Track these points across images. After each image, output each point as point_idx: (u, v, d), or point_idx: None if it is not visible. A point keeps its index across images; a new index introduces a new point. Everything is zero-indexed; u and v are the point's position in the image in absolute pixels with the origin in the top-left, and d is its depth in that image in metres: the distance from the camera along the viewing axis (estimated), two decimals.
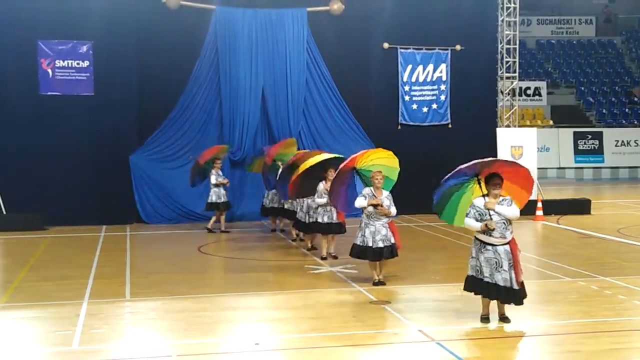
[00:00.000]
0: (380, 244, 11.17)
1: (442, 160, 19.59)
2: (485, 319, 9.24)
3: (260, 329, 9.29)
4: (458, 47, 20.38)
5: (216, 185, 16.91)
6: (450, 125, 20.42)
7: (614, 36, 43.28)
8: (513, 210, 8.96)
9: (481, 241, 9.07)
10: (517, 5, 20.84)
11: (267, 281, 12.18)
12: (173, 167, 18.96)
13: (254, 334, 8.98)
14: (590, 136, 34.72)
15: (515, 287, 8.98)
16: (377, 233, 11.16)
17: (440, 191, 9.49)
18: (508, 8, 20.80)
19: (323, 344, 8.52)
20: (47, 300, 10.70)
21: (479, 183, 9.10)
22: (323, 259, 13.51)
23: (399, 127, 20.19)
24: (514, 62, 21.12)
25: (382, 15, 20.01)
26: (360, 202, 11.18)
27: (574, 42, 42.57)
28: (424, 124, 20.37)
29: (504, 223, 8.95)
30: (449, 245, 15.45)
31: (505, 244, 9.00)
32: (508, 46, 21.00)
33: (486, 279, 9.03)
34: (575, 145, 34.50)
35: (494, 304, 9.25)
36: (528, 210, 19.56)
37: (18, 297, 10.97)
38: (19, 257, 14.37)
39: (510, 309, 9.32)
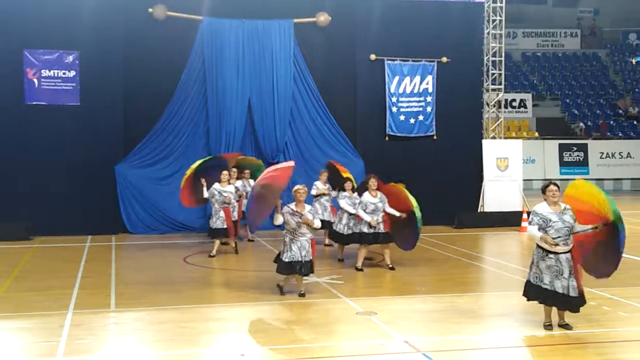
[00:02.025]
0: (307, 259, 11.24)
1: (428, 171, 19.75)
2: (548, 326, 9.33)
3: (245, 340, 9.27)
4: (444, 59, 20.46)
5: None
6: (435, 137, 20.47)
7: (598, 49, 43.64)
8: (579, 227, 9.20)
9: (543, 249, 9.12)
10: (503, 18, 20.99)
11: (252, 292, 12.13)
12: (159, 177, 18.91)
13: (239, 345, 8.96)
14: (575, 148, 34.91)
15: (574, 294, 9.07)
16: (302, 249, 11.22)
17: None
18: (494, 21, 20.93)
19: (309, 355, 8.51)
20: (31, 310, 10.62)
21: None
22: (358, 270, 13.58)
23: (387, 139, 20.22)
24: (500, 74, 21.24)
25: (368, 27, 20.06)
26: (279, 218, 11.26)
27: (559, 54, 42.88)
28: (411, 135, 20.41)
29: (568, 230, 9.02)
30: (435, 256, 15.47)
31: (568, 251, 9.07)
32: (494, 58, 21.13)
33: (545, 286, 9.13)
34: (561, 156, 34.68)
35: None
36: (513, 221, 19.71)
37: (2, 307, 10.88)
38: (3, 267, 14.23)
39: (496, 319, 9.34)
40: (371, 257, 14.60)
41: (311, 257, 11.34)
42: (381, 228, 13.56)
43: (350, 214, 14.23)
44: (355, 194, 14.41)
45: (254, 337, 9.41)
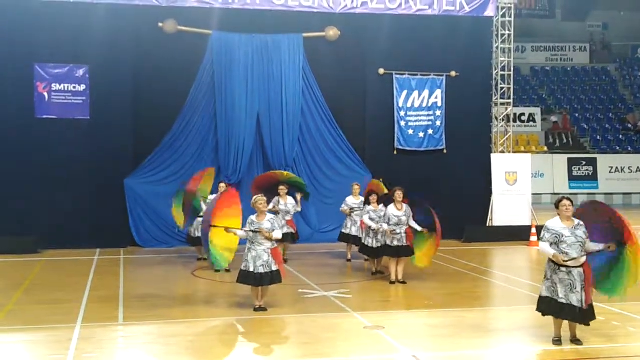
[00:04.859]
0: (261, 270, 11.09)
1: (437, 185, 19.72)
2: (557, 341, 9.32)
3: (253, 353, 9.26)
4: (453, 73, 20.47)
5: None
6: (445, 151, 20.46)
7: (607, 63, 43.60)
8: (590, 246, 9.18)
9: (555, 262, 9.10)
10: (512, 32, 21.01)
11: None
12: (168, 191, 18.85)
13: (247, 359, 8.95)
14: (584, 162, 34.83)
15: (584, 307, 9.06)
16: (258, 258, 11.09)
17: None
18: (503, 35, 20.96)
19: None
20: (39, 323, 10.65)
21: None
22: (392, 283, 13.62)
23: (395, 153, 20.22)
24: (509, 88, 21.23)
25: (377, 41, 20.09)
26: (239, 233, 11.34)
27: (568, 69, 42.86)
28: (420, 149, 20.40)
29: (580, 245, 9.02)
30: (444, 270, 15.43)
31: (580, 266, 9.06)
32: (503, 72, 21.13)
33: (561, 300, 9.11)
34: (570, 171, 34.60)
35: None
36: (522, 235, 19.65)
37: (11, 320, 10.91)
38: (12, 280, 14.30)
39: (505, 334, 9.30)
40: (382, 271, 14.62)
41: (273, 268, 11.18)
42: (404, 241, 13.56)
43: (373, 229, 14.25)
44: (381, 206, 14.38)
45: (261, 351, 9.41)
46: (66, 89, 18.49)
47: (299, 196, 16.38)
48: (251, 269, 11.11)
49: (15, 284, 13.78)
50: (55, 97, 18.42)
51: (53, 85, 18.40)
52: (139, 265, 16.85)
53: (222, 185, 15.53)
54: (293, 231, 16.09)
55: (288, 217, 15.95)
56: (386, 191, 15.11)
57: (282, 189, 16.07)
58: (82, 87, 18.56)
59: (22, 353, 9.33)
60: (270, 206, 15.46)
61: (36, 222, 17.78)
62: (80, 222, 18.16)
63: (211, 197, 15.31)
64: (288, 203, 16.03)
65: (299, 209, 16.54)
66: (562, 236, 9.02)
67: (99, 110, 18.48)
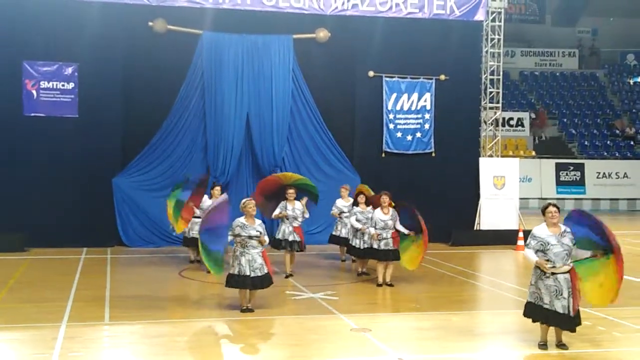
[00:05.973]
0: (258, 273, 11.15)
1: (425, 188, 19.74)
2: (542, 345, 9.35)
3: (239, 355, 9.25)
4: (442, 77, 20.50)
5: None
6: (433, 154, 20.49)
7: (596, 69, 43.84)
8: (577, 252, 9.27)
9: (541, 269, 9.13)
10: (502, 37, 21.06)
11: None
12: (156, 191, 18.82)
13: None
14: (572, 167, 34.97)
15: (571, 314, 9.08)
16: (253, 262, 11.14)
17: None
18: (492, 39, 21.01)
19: None
20: (25, 322, 10.60)
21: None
22: (379, 285, 13.60)
23: (384, 155, 20.24)
24: (498, 92, 21.29)
25: (367, 44, 20.11)
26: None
27: (557, 74, 43.05)
28: (408, 152, 20.42)
29: (567, 253, 9.05)
30: (431, 273, 15.45)
31: (566, 272, 9.07)
32: (492, 77, 21.18)
33: (546, 306, 9.14)
34: (557, 176, 34.74)
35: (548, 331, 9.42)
36: (509, 239, 19.71)
37: None
38: None
39: (491, 337, 9.32)
40: (368, 272, 14.64)
41: (266, 270, 11.26)
42: (391, 245, 13.56)
43: (358, 229, 14.28)
44: (369, 208, 14.38)
45: (248, 352, 9.40)
46: (55, 86, 18.40)
47: (303, 201, 15.12)
48: (247, 273, 11.10)
49: (1, 282, 13.67)
50: (44, 95, 18.33)
51: (42, 83, 18.31)
52: (125, 264, 16.79)
53: (217, 188, 15.41)
54: (299, 239, 14.94)
55: (296, 224, 14.85)
56: (373, 193, 15.13)
57: (291, 193, 14.81)
58: (71, 85, 18.49)
59: (7, 352, 9.28)
60: (277, 212, 14.84)
61: (23, 220, 17.66)
62: (67, 220, 18.07)
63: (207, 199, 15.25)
64: (296, 208, 14.79)
65: (307, 216, 15.12)
66: (548, 244, 9.03)
67: (87, 108, 18.41)
